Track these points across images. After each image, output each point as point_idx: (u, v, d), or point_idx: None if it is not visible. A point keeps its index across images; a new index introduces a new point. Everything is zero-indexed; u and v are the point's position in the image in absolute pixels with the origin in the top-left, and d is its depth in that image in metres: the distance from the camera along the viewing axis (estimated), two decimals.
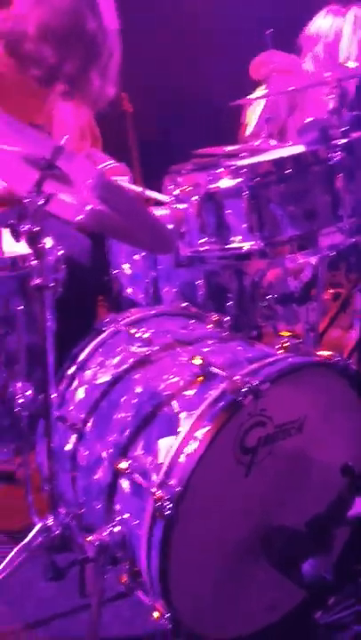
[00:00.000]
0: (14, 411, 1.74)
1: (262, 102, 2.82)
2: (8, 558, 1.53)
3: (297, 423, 1.46)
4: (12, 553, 1.54)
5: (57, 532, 1.56)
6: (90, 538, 1.40)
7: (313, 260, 1.98)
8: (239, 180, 1.63)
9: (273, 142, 2.38)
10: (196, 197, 1.68)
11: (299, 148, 1.87)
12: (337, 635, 1.53)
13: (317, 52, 2.66)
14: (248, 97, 2.61)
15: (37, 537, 1.56)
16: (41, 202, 1.42)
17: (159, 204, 2.25)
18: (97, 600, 1.37)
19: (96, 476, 1.51)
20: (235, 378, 1.37)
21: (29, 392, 1.74)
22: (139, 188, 2.48)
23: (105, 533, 1.40)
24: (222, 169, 1.67)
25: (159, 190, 2.33)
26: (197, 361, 1.47)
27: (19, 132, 1.44)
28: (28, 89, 2.30)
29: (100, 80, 2.26)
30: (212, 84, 4.00)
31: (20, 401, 1.73)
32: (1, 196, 2.21)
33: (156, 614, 1.35)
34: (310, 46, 2.67)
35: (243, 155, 2.04)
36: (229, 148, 2.26)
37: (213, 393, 1.38)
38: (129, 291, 2.17)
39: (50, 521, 1.56)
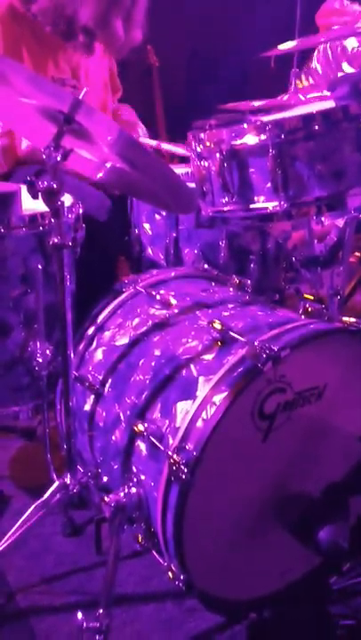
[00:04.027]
0: (33, 370, 1.75)
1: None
2: (27, 514, 1.56)
3: (317, 390, 1.43)
4: (31, 509, 1.56)
5: (74, 490, 1.57)
6: (106, 498, 1.41)
7: (340, 222, 1.91)
8: (264, 136, 1.56)
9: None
10: (219, 154, 1.61)
11: (328, 104, 1.78)
12: (350, 600, 1.53)
13: None
14: (278, 48, 2.49)
15: (55, 494, 1.58)
16: (59, 157, 1.38)
17: (182, 160, 2.19)
18: (112, 559, 1.39)
19: (113, 437, 1.51)
20: (255, 343, 1.34)
21: (48, 352, 1.74)
22: (153, 142, 2.42)
23: (121, 494, 1.41)
24: (247, 125, 1.59)
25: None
26: (217, 325, 1.44)
27: (37, 84, 1.38)
28: (48, 42, 2.23)
29: (123, 26, 2.17)
30: (241, 35, 3.84)
31: (39, 360, 1.73)
32: (26, 155, 2.18)
33: (170, 575, 1.36)
34: None
35: (270, 110, 1.96)
36: (256, 103, 2.17)
37: (232, 358, 1.36)
38: (149, 251, 2.13)
39: (67, 479, 1.57)
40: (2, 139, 2.16)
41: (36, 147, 2.09)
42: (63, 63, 2.29)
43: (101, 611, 1.35)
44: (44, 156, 1.39)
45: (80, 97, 1.34)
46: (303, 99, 2.24)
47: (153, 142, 2.44)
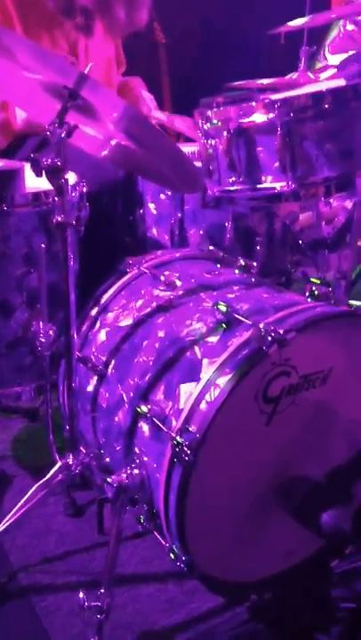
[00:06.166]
0: (36, 350, 1.73)
1: None
2: (29, 494, 1.56)
3: (322, 374, 1.42)
4: (33, 489, 1.56)
5: (77, 470, 1.57)
6: (109, 479, 1.40)
7: (348, 203, 1.89)
8: (273, 114, 1.53)
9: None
10: (227, 133, 1.58)
11: (338, 82, 1.74)
12: (352, 583, 1.53)
13: None
14: (288, 24, 2.44)
15: (58, 474, 1.58)
16: (63, 134, 1.35)
17: (188, 140, 2.16)
18: (114, 539, 1.39)
19: (116, 419, 1.51)
20: (260, 326, 1.32)
21: (51, 332, 1.72)
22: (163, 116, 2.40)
23: (124, 475, 1.40)
24: (255, 102, 1.56)
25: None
26: (222, 307, 1.42)
27: (41, 58, 1.35)
28: (46, 17, 2.19)
29: (125, 9, 2.14)
30: (249, 11, 3.76)
31: (42, 340, 1.72)
32: (21, 128, 2.14)
33: (171, 556, 1.36)
34: None
35: (279, 89, 1.92)
36: (265, 81, 2.12)
37: (237, 341, 1.34)
38: (154, 232, 2.11)
39: (70, 460, 1.57)
40: None
41: (30, 118, 2.06)
42: (61, 39, 2.24)
43: (103, 590, 1.35)
44: (48, 133, 1.36)
45: (86, 72, 1.31)
46: (312, 77, 2.19)
47: (163, 117, 2.41)
